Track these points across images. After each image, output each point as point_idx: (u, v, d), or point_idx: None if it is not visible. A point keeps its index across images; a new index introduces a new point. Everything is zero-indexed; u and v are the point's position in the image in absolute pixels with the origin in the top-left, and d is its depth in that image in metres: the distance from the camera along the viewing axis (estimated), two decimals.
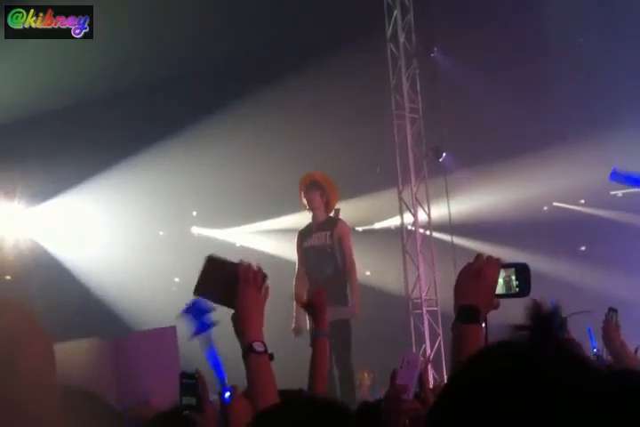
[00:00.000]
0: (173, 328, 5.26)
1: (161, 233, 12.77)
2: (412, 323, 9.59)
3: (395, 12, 9.97)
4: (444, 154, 10.33)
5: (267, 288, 2.38)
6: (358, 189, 11.69)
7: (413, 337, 9.51)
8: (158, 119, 11.21)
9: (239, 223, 12.68)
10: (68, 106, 10.39)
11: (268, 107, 11.05)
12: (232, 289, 2.34)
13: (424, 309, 9.53)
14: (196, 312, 2.47)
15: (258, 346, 2.29)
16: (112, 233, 11.85)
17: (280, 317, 7.06)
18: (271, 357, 2.34)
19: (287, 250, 9.35)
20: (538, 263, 11.21)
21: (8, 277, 12.11)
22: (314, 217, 7.88)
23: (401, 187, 9.95)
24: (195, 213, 12.87)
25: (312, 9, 10.37)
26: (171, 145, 11.39)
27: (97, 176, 11.54)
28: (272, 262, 10.02)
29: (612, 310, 3.90)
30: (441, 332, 9.32)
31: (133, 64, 10.20)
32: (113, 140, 10.98)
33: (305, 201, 7.81)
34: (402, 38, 9.99)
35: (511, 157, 11.09)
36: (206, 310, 2.47)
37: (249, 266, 2.38)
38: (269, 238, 12.01)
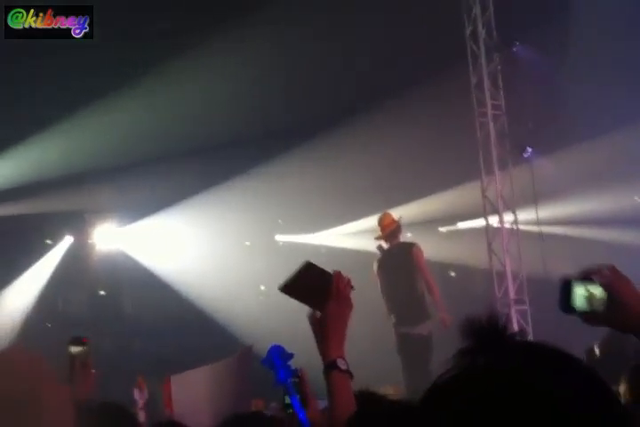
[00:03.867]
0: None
1: (247, 243, 13.00)
2: None
3: (474, 10, 9.82)
4: (530, 149, 10.17)
5: (351, 300, 2.36)
6: (441, 185, 11.60)
7: None
8: (251, 146, 11.52)
9: (323, 227, 12.78)
10: (165, 135, 10.89)
11: (350, 112, 11.08)
12: (319, 296, 2.32)
13: (512, 308, 9.42)
14: (279, 360, 2.45)
15: (342, 364, 2.28)
16: (201, 247, 12.23)
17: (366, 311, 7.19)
18: (351, 375, 2.31)
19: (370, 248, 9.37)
20: (625, 260, 10.95)
21: (102, 293, 12.58)
22: None
23: (485, 184, 9.81)
24: (280, 222, 13.07)
25: (392, 10, 10.25)
26: (263, 168, 11.89)
27: (189, 197, 12.07)
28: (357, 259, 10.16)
29: None
30: (531, 331, 9.00)
31: (228, 103, 10.48)
32: (205, 164, 11.33)
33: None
34: (482, 35, 9.79)
35: (597, 150, 10.83)
36: (288, 357, 2.46)
37: (343, 277, 2.36)
38: (354, 239, 12.05)
